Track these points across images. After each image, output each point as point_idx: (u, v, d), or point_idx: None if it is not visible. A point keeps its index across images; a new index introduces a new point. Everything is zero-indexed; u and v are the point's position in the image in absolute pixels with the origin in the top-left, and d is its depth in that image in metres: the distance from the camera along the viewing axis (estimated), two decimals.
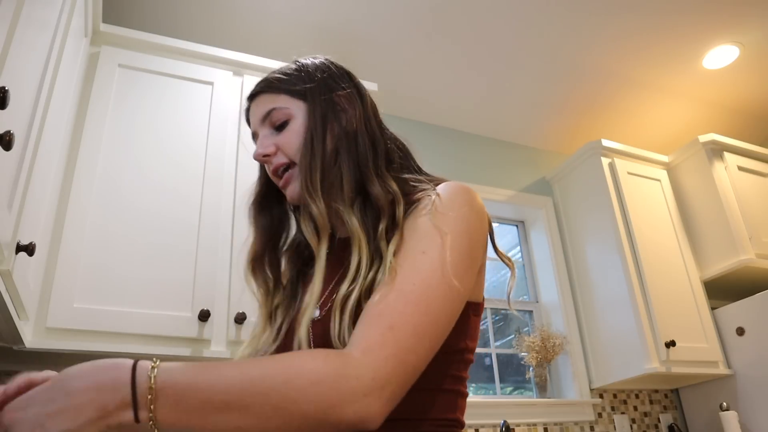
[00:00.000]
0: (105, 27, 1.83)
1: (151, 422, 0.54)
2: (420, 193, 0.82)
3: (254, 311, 1.64)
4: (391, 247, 0.73)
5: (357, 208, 0.81)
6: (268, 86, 0.91)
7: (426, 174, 0.91)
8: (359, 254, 0.76)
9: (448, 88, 2.76)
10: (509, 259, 0.88)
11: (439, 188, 0.80)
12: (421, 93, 2.76)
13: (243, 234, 1.76)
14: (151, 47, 1.90)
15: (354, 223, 0.79)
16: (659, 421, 2.74)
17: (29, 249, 1.08)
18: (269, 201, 0.94)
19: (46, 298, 1.46)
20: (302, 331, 0.73)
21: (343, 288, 0.74)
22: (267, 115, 0.89)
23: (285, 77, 0.91)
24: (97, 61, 1.79)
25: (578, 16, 2.41)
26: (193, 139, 1.83)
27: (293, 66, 0.94)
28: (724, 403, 2.47)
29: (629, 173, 2.80)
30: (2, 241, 0.99)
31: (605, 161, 2.80)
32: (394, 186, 0.83)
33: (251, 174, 1.84)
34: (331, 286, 0.80)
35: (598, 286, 2.71)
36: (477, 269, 0.77)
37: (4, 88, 0.83)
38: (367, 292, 0.71)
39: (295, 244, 0.95)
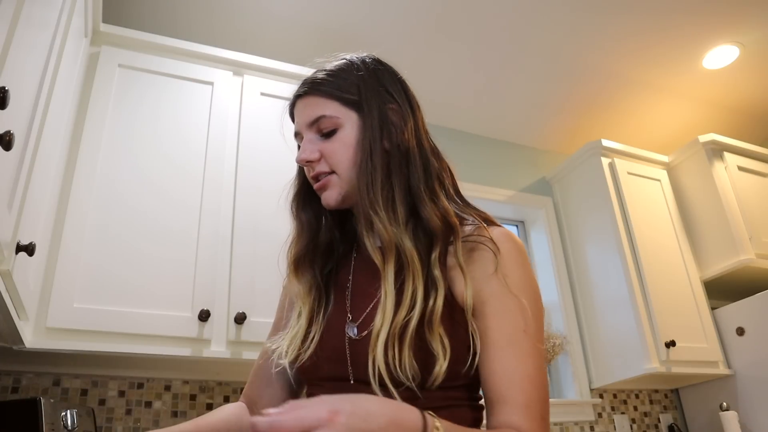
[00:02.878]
0: (105, 27, 1.83)
1: None
2: (469, 227, 0.83)
3: (254, 311, 1.66)
4: (468, 292, 0.77)
5: (410, 231, 0.80)
6: (317, 88, 0.88)
7: (463, 199, 0.91)
8: (414, 282, 0.77)
9: (448, 87, 2.76)
10: None
11: (502, 239, 0.81)
12: (421, 93, 2.73)
13: (243, 233, 1.77)
14: (151, 47, 1.90)
15: (408, 247, 0.78)
16: (659, 421, 2.74)
17: (29, 249, 1.08)
18: (309, 198, 0.92)
19: (46, 298, 1.46)
20: (379, 352, 0.74)
21: (400, 316, 0.75)
22: (315, 121, 0.86)
23: (335, 81, 0.88)
24: (97, 61, 1.79)
25: (578, 16, 2.41)
26: (193, 138, 1.83)
27: (342, 64, 0.90)
28: (724, 403, 2.47)
29: (629, 173, 2.80)
30: (2, 241, 0.99)
31: (605, 161, 2.80)
32: (450, 210, 0.83)
33: (251, 173, 1.85)
34: (369, 307, 0.80)
35: (598, 286, 2.71)
36: None
37: (4, 88, 0.83)
38: (423, 320, 0.74)
39: (325, 246, 0.92)
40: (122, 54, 1.84)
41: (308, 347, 0.83)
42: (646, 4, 2.38)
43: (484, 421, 0.79)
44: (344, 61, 0.91)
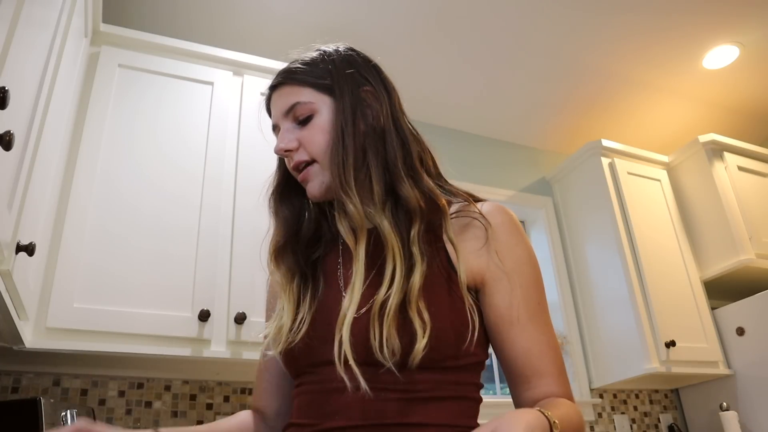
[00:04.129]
0: (105, 27, 1.83)
1: None
2: (458, 204, 0.85)
3: (254, 311, 1.66)
4: (461, 266, 0.79)
5: (388, 211, 0.81)
6: (291, 77, 0.87)
7: (446, 181, 0.91)
8: (393, 260, 0.77)
9: (448, 88, 2.76)
10: None
11: (493, 216, 0.83)
12: (421, 93, 2.76)
13: (243, 233, 1.77)
14: (151, 47, 1.90)
15: (386, 226, 0.79)
16: (659, 421, 2.74)
17: (29, 249, 1.08)
18: (289, 191, 0.92)
19: (46, 298, 1.46)
20: (345, 332, 0.74)
21: (380, 294, 0.75)
22: (290, 109, 0.86)
23: (309, 68, 0.87)
24: (97, 61, 1.79)
25: (578, 16, 2.41)
26: (193, 138, 1.83)
27: (315, 55, 0.90)
28: (724, 403, 2.47)
29: (629, 173, 2.80)
30: (2, 241, 0.99)
31: (605, 161, 2.80)
32: (431, 185, 0.83)
33: (251, 173, 1.85)
34: (365, 285, 0.79)
35: (598, 286, 2.71)
36: None
37: (4, 88, 0.83)
38: (403, 298, 0.74)
39: (310, 235, 0.91)
40: (122, 54, 1.84)
41: (299, 329, 0.81)
42: (646, 4, 2.38)
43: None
44: (317, 51, 0.91)
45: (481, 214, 0.82)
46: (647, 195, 2.80)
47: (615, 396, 2.69)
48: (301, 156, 0.85)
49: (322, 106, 0.85)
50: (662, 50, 2.66)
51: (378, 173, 0.81)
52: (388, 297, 0.74)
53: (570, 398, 0.78)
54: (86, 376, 1.74)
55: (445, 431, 0.74)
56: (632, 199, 2.71)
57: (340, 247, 0.89)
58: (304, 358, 0.81)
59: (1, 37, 0.88)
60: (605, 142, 2.82)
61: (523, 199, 3.00)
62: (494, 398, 2.54)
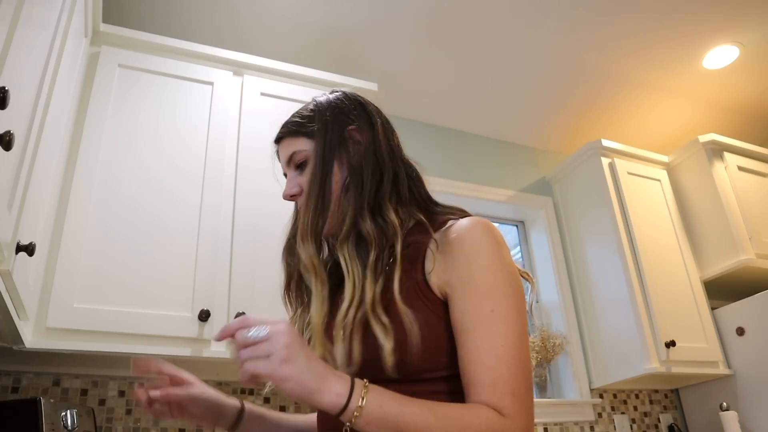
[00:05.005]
0: (105, 27, 1.83)
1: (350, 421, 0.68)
2: (445, 219, 0.89)
3: (254, 311, 1.66)
4: (396, 278, 0.81)
5: (351, 243, 0.87)
6: (287, 131, 0.98)
7: (436, 203, 0.96)
8: (350, 287, 0.83)
9: (448, 88, 2.76)
10: (527, 274, 0.91)
11: (462, 229, 0.84)
12: (421, 93, 2.76)
13: (243, 233, 1.77)
14: (151, 47, 1.90)
15: (344, 257, 0.86)
16: (659, 421, 2.74)
17: (29, 249, 1.08)
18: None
19: (46, 298, 1.46)
20: (317, 348, 0.82)
21: (338, 318, 0.81)
22: (290, 158, 0.96)
23: (302, 120, 0.96)
24: (97, 61, 1.79)
25: (578, 16, 2.41)
26: (193, 138, 1.83)
27: (310, 106, 0.99)
28: (724, 403, 2.47)
29: (629, 173, 2.80)
30: (2, 241, 0.99)
31: (605, 161, 2.80)
32: (393, 217, 0.87)
33: (251, 173, 1.85)
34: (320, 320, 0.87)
35: (598, 286, 2.71)
36: None
37: (4, 88, 0.83)
38: (359, 322, 0.80)
39: (326, 265, 0.98)
40: (122, 54, 1.84)
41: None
42: (646, 4, 2.38)
43: None
44: (312, 101, 1.00)
45: (457, 228, 0.85)
46: (647, 195, 2.80)
47: (615, 396, 2.69)
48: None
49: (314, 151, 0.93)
50: (662, 50, 2.66)
51: (353, 208, 0.88)
52: (347, 313, 0.80)
53: (504, 411, 0.72)
54: (86, 376, 1.74)
55: None
56: (632, 199, 2.71)
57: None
58: None
59: (1, 37, 0.88)
60: (605, 142, 2.82)
61: (523, 199, 3.00)
62: None
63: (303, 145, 0.94)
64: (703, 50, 2.68)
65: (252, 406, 1.05)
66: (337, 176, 0.90)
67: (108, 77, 1.78)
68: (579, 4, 2.35)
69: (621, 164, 2.79)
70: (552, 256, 2.89)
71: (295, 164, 0.95)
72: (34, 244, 1.10)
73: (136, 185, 1.69)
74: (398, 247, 0.84)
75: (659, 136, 3.28)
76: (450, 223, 0.87)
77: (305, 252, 0.88)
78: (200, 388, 1.03)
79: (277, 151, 1.01)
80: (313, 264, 0.88)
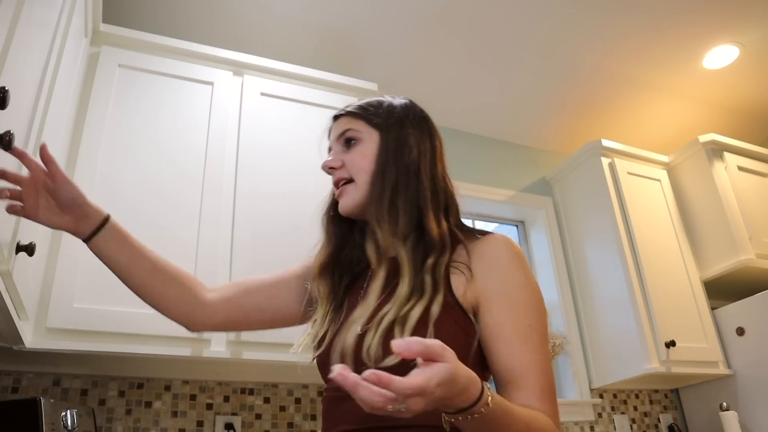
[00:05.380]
0: (105, 27, 1.83)
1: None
2: (472, 238, 0.93)
3: None
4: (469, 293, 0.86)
5: (410, 243, 0.91)
6: (350, 112, 1.01)
7: (463, 224, 1.00)
8: (402, 285, 0.85)
9: (447, 88, 2.76)
10: None
11: (495, 245, 0.89)
12: (421, 93, 2.76)
13: (243, 233, 1.77)
14: (151, 47, 1.90)
15: (403, 256, 0.88)
16: (659, 421, 2.74)
17: (29, 249, 1.08)
18: (340, 216, 1.02)
19: (46, 298, 1.46)
20: (348, 340, 0.84)
21: (383, 310, 0.83)
22: (342, 134, 1.00)
23: (366, 107, 1.01)
24: (97, 61, 1.79)
25: (578, 16, 2.41)
26: (193, 138, 1.83)
27: (375, 99, 1.04)
28: (724, 403, 2.47)
29: (629, 173, 2.80)
30: (2, 241, 0.99)
31: (605, 161, 2.80)
32: (446, 226, 0.93)
33: (251, 173, 1.85)
34: (377, 303, 0.87)
35: (598, 286, 2.71)
36: None
37: (4, 88, 0.83)
38: (402, 319, 0.82)
39: (349, 259, 1.02)
40: (122, 54, 1.84)
41: (321, 347, 0.93)
42: (646, 4, 2.38)
43: None
44: (380, 97, 1.05)
45: (491, 243, 0.90)
46: (647, 195, 2.80)
47: (615, 396, 2.69)
48: (343, 174, 0.98)
49: (369, 136, 0.98)
50: (662, 50, 2.66)
51: (406, 207, 0.92)
52: (387, 312, 0.82)
53: (553, 418, 0.79)
54: (86, 376, 1.74)
55: (430, 431, 0.78)
56: (632, 199, 2.71)
57: (369, 273, 0.97)
58: (323, 370, 0.92)
59: (1, 38, 0.88)
60: (605, 142, 2.82)
61: (523, 199, 3.00)
62: None
63: (359, 127, 0.98)
64: (703, 50, 2.68)
65: (118, 223, 0.99)
66: (391, 169, 0.94)
67: (108, 77, 1.78)
68: (579, 5, 2.35)
69: (621, 164, 2.79)
70: (552, 256, 2.89)
71: (344, 140, 0.99)
72: (34, 244, 1.10)
73: (135, 185, 1.69)
74: (447, 257, 0.89)
75: (659, 136, 3.28)
76: (478, 239, 0.92)
77: (382, 236, 0.91)
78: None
79: (330, 129, 1.05)
80: (388, 249, 0.91)
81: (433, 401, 0.62)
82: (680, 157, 2.94)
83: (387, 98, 1.04)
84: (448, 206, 0.97)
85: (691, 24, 2.51)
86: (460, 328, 0.84)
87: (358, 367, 0.79)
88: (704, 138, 2.85)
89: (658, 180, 2.89)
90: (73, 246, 1.53)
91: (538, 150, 3.25)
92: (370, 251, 0.92)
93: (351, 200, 0.96)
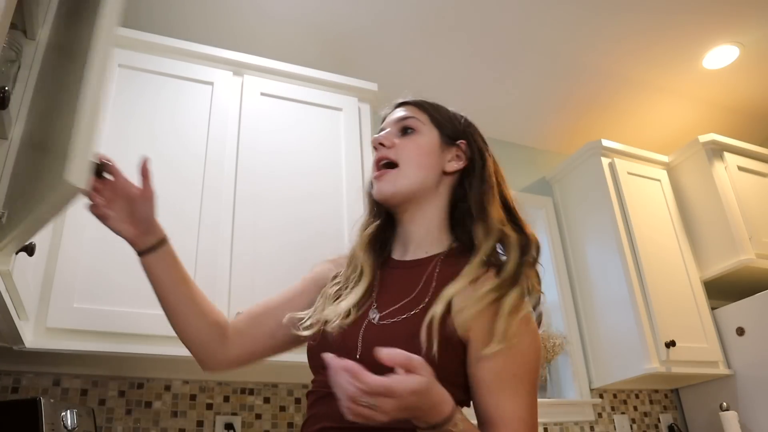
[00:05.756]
0: None
1: None
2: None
3: None
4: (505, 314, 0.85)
5: (445, 243, 0.96)
6: (419, 103, 1.06)
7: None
8: (426, 291, 0.89)
9: (448, 88, 2.76)
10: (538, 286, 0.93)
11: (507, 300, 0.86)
12: (420, 93, 2.74)
13: (243, 233, 1.77)
14: (151, 47, 1.90)
15: (487, 251, 0.90)
16: (659, 421, 2.74)
17: (29, 249, 1.08)
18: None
19: (46, 298, 1.46)
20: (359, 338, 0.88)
21: (433, 311, 0.83)
22: (403, 119, 1.02)
23: (435, 106, 1.06)
24: None
25: (578, 16, 2.41)
26: (193, 138, 1.83)
27: (444, 106, 1.09)
28: (724, 403, 2.47)
29: (629, 173, 2.80)
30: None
31: (605, 161, 2.80)
32: (481, 238, 0.93)
33: (251, 173, 1.85)
34: (400, 303, 0.90)
35: (598, 286, 2.71)
36: None
37: (4, 87, 0.83)
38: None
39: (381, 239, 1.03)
40: (121, 54, 1.83)
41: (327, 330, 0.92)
42: (646, 4, 2.38)
43: None
44: (447, 108, 1.09)
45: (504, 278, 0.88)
46: (647, 195, 2.80)
47: (615, 396, 2.69)
48: (390, 154, 0.98)
49: (428, 130, 1.01)
50: (662, 50, 2.66)
51: (443, 206, 0.97)
52: (434, 314, 0.83)
53: None
54: (86, 376, 1.74)
55: None
56: (632, 199, 2.71)
57: (387, 263, 1.00)
58: (321, 347, 0.90)
59: (0, 38, 0.88)
60: (605, 142, 2.82)
61: (523, 199, 2.97)
62: None
63: (422, 119, 1.01)
64: (703, 50, 2.68)
65: (172, 246, 1.03)
66: (442, 174, 0.98)
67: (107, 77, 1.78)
68: (579, 4, 2.35)
69: (621, 164, 2.79)
70: (552, 256, 2.89)
71: (403, 126, 1.01)
72: (34, 244, 1.09)
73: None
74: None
75: (659, 136, 3.28)
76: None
77: (416, 227, 0.97)
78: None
79: (386, 116, 1.07)
80: (420, 243, 0.98)
81: (404, 408, 0.65)
82: (680, 157, 2.94)
83: (452, 109, 1.08)
84: (487, 214, 0.95)
85: (691, 24, 2.51)
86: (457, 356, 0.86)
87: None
88: (704, 138, 2.85)
89: (658, 180, 2.89)
90: (73, 246, 1.53)
91: (538, 150, 3.25)
92: (399, 242, 0.99)
93: (392, 186, 0.96)
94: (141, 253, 1.00)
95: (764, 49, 2.71)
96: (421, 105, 1.04)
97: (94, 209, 0.96)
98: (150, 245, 1.00)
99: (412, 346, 0.79)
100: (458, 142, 1.01)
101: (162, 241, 1.01)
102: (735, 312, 2.60)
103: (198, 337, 1.02)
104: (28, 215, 0.73)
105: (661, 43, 2.61)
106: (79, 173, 0.65)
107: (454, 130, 1.01)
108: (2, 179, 1.00)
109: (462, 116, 1.06)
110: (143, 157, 0.99)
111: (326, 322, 0.92)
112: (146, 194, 1.00)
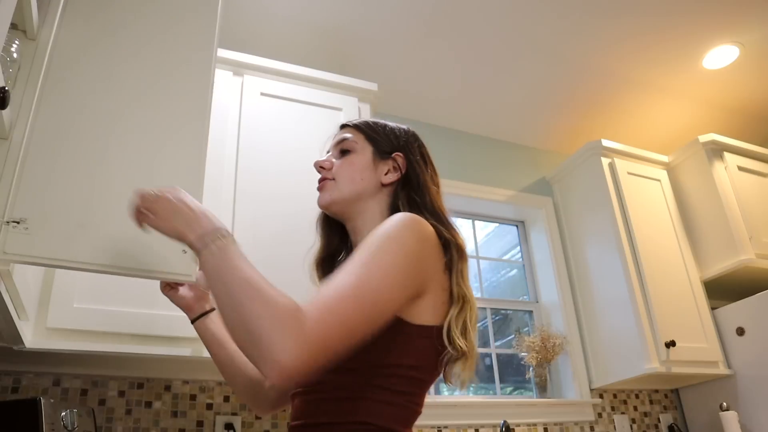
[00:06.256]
0: None
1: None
2: None
3: None
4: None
5: None
6: (355, 124, 1.14)
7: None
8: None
9: (447, 87, 2.76)
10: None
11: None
12: (421, 93, 2.76)
13: (243, 233, 1.77)
14: None
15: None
16: (659, 421, 2.74)
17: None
18: (329, 219, 1.15)
19: (46, 298, 1.46)
20: None
21: None
22: (340, 142, 1.12)
23: (369, 124, 1.13)
24: None
25: (579, 17, 2.41)
26: None
27: (381, 121, 1.16)
28: (724, 403, 2.47)
29: (629, 173, 2.80)
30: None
31: (605, 161, 2.80)
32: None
33: (250, 173, 1.85)
34: None
35: (598, 286, 2.71)
36: (412, 290, 0.86)
37: (4, 88, 0.83)
38: None
39: (339, 257, 1.14)
40: None
41: None
42: (647, 5, 2.38)
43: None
44: (385, 122, 1.16)
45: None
46: (647, 195, 2.80)
47: (615, 396, 2.69)
48: (328, 175, 1.10)
49: (362, 149, 1.09)
50: (662, 50, 2.66)
51: (385, 214, 1.02)
52: None
53: (305, 313, 0.73)
54: (86, 376, 1.74)
55: (344, 428, 0.86)
56: (632, 199, 2.71)
57: None
58: None
59: (0, 39, 0.88)
60: (605, 142, 2.82)
61: (523, 199, 3.00)
62: (494, 398, 2.54)
63: (357, 139, 1.10)
64: (703, 50, 2.68)
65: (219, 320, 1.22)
66: (376, 184, 1.07)
67: None
68: (579, 5, 2.35)
69: (621, 164, 2.79)
70: (552, 256, 2.89)
71: (341, 148, 1.11)
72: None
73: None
74: None
75: (659, 136, 3.28)
76: None
77: (352, 225, 1.10)
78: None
79: (334, 135, 1.17)
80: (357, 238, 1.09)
81: (164, 212, 0.92)
82: (680, 157, 2.94)
83: (390, 123, 1.14)
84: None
85: (691, 24, 2.51)
86: None
87: None
88: (704, 138, 2.85)
89: (658, 180, 2.89)
90: None
91: (538, 150, 3.25)
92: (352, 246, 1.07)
93: (329, 196, 1.08)
94: (193, 321, 1.25)
95: (764, 49, 2.71)
96: (357, 126, 1.13)
97: (166, 289, 1.24)
98: (200, 313, 1.24)
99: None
100: (394, 155, 1.08)
101: (211, 309, 1.25)
102: (735, 312, 2.61)
103: (240, 389, 1.22)
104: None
105: (661, 44, 2.61)
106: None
107: (390, 144, 1.09)
108: (2, 179, 1.00)
109: (403, 130, 1.13)
110: None
111: None
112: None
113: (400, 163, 1.08)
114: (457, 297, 0.93)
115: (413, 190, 1.04)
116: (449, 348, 0.88)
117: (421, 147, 1.13)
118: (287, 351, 0.69)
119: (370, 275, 0.81)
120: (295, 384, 0.86)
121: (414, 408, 0.91)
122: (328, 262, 1.12)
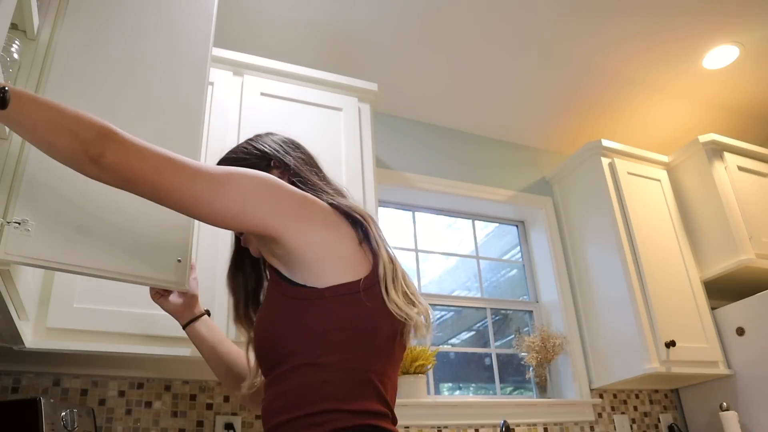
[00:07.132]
0: None
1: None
2: None
3: None
4: None
5: None
6: (221, 160, 1.25)
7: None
8: None
9: (447, 87, 2.76)
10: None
11: None
12: (420, 93, 2.76)
13: None
14: None
15: None
16: (659, 421, 2.74)
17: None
18: (243, 263, 1.25)
19: (46, 298, 1.46)
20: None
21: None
22: None
23: (233, 155, 1.25)
24: None
25: (579, 17, 2.41)
26: None
27: (246, 143, 1.26)
28: (724, 403, 2.47)
29: (629, 173, 2.80)
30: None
31: (605, 161, 2.80)
32: None
33: None
34: None
35: (598, 286, 2.71)
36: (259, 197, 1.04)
37: (4, 87, 0.83)
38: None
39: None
40: None
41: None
42: (647, 5, 2.38)
43: None
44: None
45: None
46: (647, 195, 2.80)
47: (615, 396, 2.69)
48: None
49: None
50: (662, 50, 2.66)
51: None
52: None
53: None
54: (86, 376, 1.74)
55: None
56: (632, 199, 2.71)
57: None
58: None
59: (1, 38, 0.88)
60: (605, 142, 2.82)
61: (523, 199, 3.00)
62: (494, 398, 2.54)
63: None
64: (703, 50, 2.68)
65: (212, 323, 1.34)
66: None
67: None
68: (580, 5, 2.35)
69: (621, 164, 2.80)
70: (552, 256, 2.89)
71: None
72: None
73: None
74: None
75: (659, 136, 3.28)
76: None
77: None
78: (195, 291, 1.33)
79: None
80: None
81: None
82: (680, 157, 2.94)
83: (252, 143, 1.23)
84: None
85: (691, 24, 2.51)
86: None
87: None
88: (704, 138, 2.85)
89: (658, 180, 2.89)
90: None
91: (538, 150, 3.25)
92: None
93: (254, 249, 1.21)
94: (184, 326, 1.31)
95: (764, 49, 2.71)
96: (223, 161, 1.23)
97: (157, 296, 1.28)
98: (190, 319, 1.31)
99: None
100: (272, 163, 1.17)
101: (201, 315, 1.32)
102: (735, 312, 2.61)
103: (228, 385, 1.33)
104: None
105: (661, 44, 2.61)
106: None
107: (259, 159, 1.18)
108: (2, 179, 1.00)
109: (257, 143, 1.22)
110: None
111: None
112: (196, 284, 1.33)
113: (279, 166, 1.21)
114: None
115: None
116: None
117: (283, 144, 1.24)
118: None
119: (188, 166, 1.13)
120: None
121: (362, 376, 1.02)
122: (249, 306, 1.27)
